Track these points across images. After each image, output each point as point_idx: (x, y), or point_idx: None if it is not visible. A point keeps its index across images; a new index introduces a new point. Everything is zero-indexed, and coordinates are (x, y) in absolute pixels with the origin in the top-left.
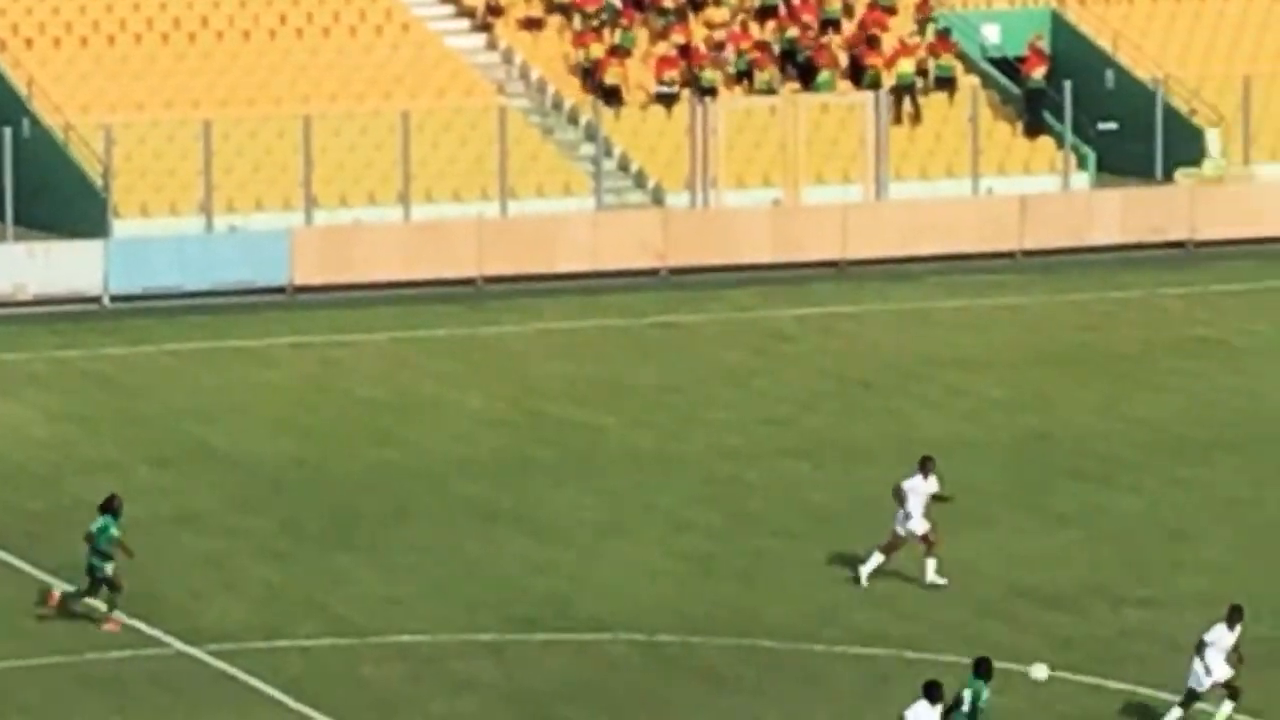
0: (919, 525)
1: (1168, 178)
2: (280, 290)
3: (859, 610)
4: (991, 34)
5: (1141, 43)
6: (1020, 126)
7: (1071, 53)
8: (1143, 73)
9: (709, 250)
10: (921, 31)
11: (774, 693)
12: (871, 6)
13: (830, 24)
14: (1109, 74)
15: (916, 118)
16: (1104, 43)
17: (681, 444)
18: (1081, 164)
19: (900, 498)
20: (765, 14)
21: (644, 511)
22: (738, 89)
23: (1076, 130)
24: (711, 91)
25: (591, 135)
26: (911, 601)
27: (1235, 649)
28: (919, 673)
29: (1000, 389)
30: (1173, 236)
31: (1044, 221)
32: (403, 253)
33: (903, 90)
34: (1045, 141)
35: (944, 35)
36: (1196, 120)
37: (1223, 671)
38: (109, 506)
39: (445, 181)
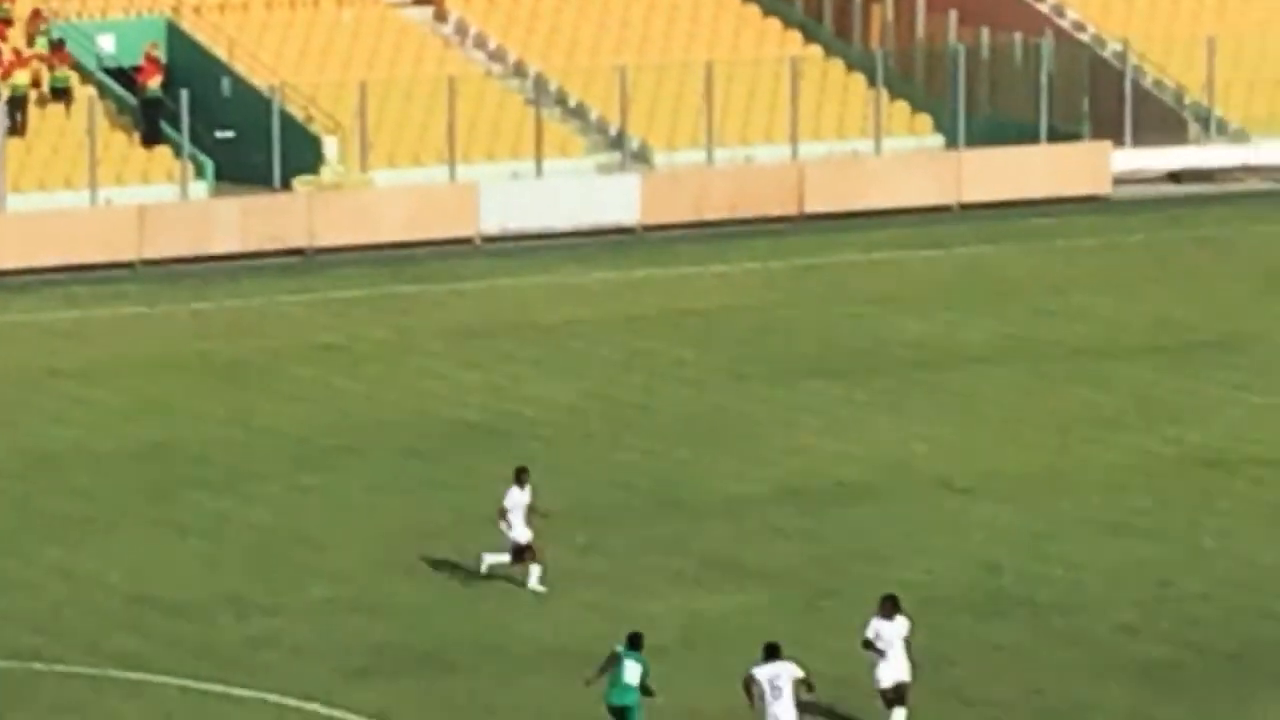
0: (521, 535)
1: (286, 185)
2: None
3: None
4: (107, 44)
5: (257, 51)
6: (138, 136)
7: (188, 61)
8: (259, 81)
9: None
10: (34, 42)
11: None
12: None
13: None
14: (225, 82)
15: (29, 130)
16: (220, 51)
17: None
18: (200, 173)
19: (502, 513)
20: None
21: None
22: None
23: (195, 139)
24: None
25: None
26: (41, 616)
27: (906, 640)
28: (49, 684)
29: (122, 399)
30: (293, 244)
31: (163, 231)
32: None
33: (18, 102)
34: (163, 151)
35: (58, 46)
36: (314, 128)
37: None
38: None
39: None
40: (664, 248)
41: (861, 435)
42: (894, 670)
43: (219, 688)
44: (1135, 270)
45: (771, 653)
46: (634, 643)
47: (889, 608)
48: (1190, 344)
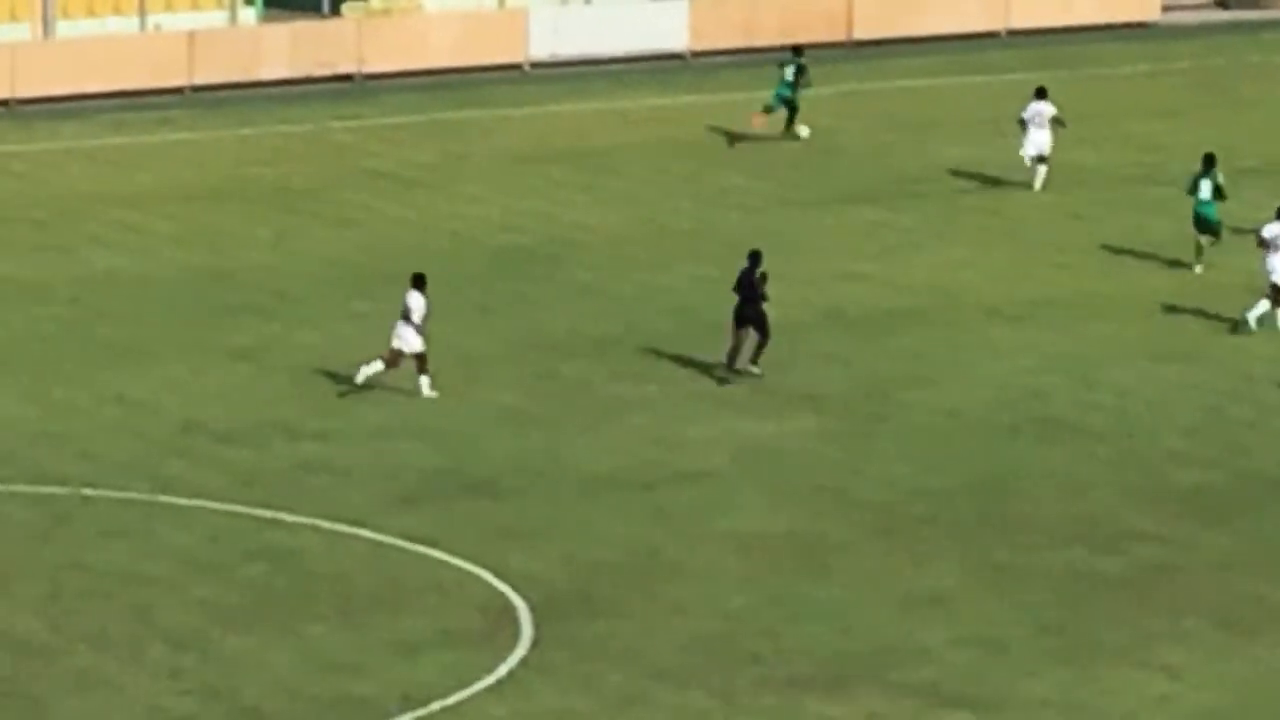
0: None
1: (336, 11)
2: None
3: (36, 449)
4: None
5: None
6: None
7: None
8: None
9: None
10: None
11: None
12: None
13: None
14: None
15: None
16: None
17: None
18: None
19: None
20: None
21: None
22: None
23: None
24: None
25: None
26: (91, 441)
27: None
28: (98, 511)
29: (172, 225)
30: (341, 70)
31: (213, 57)
32: None
33: None
34: None
35: None
36: None
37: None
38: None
39: None
40: (712, 74)
41: (908, 261)
42: None
43: (268, 513)
44: (1182, 97)
45: (1040, 93)
46: (1207, 162)
47: None
48: (1238, 170)
